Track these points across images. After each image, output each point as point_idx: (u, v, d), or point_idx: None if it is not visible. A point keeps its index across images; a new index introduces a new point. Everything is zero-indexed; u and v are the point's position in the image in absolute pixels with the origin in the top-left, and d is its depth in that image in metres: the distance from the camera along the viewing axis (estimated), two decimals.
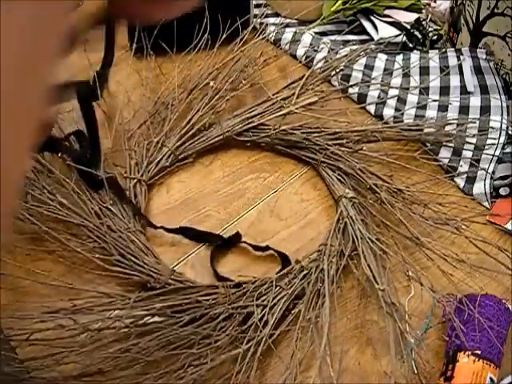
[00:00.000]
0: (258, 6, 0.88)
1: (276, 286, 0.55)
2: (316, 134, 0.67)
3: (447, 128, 0.66)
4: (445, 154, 0.67)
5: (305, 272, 0.57)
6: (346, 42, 0.75)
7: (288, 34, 0.78)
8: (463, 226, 0.58)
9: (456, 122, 0.66)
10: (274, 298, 0.54)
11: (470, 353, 0.50)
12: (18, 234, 0.57)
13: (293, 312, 0.55)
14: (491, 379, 0.50)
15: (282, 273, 0.56)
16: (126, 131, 0.66)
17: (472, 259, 0.59)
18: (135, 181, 0.62)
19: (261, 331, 0.51)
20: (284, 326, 0.53)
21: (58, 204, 0.56)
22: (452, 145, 0.67)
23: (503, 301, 0.53)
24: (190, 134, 0.66)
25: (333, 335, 0.54)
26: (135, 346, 0.49)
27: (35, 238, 0.57)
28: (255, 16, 0.80)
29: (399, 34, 0.74)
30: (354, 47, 0.73)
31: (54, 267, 0.56)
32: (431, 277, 0.56)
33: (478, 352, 0.50)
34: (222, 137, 0.67)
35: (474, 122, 0.66)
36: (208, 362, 0.49)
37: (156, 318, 0.52)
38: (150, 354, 0.49)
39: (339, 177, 0.65)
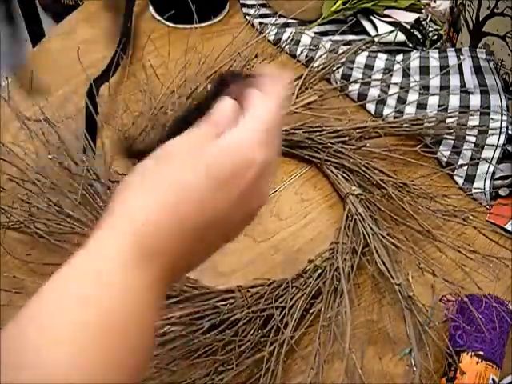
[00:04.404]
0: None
1: (292, 287, 0.55)
2: (318, 133, 0.67)
3: (448, 121, 0.66)
4: (444, 153, 0.67)
5: (319, 271, 0.57)
6: (346, 43, 0.75)
7: (288, 34, 0.77)
8: (470, 217, 0.59)
9: (457, 112, 0.66)
10: (291, 299, 0.54)
11: (472, 354, 0.50)
12: (28, 248, 0.55)
13: (311, 312, 0.55)
14: (493, 380, 0.49)
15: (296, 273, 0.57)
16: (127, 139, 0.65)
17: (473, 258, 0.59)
18: None
19: (282, 333, 0.51)
20: (305, 326, 0.53)
21: (65, 216, 0.55)
22: (452, 142, 0.67)
23: (505, 302, 0.53)
24: None
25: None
26: (157, 356, 0.49)
27: (45, 252, 0.55)
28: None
29: (393, 31, 0.74)
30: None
31: None
32: (445, 269, 0.57)
33: (481, 353, 0.50)
34: None
35: (473, 115, 0.66)
36: (234, 368, 0.48)
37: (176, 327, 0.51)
38: (174, 364, 0.48)
39: (344, 174, 0.65)
